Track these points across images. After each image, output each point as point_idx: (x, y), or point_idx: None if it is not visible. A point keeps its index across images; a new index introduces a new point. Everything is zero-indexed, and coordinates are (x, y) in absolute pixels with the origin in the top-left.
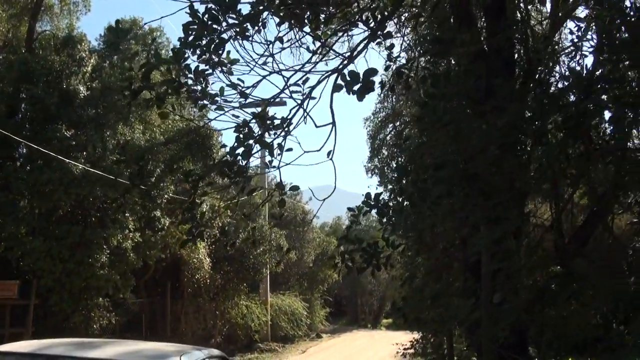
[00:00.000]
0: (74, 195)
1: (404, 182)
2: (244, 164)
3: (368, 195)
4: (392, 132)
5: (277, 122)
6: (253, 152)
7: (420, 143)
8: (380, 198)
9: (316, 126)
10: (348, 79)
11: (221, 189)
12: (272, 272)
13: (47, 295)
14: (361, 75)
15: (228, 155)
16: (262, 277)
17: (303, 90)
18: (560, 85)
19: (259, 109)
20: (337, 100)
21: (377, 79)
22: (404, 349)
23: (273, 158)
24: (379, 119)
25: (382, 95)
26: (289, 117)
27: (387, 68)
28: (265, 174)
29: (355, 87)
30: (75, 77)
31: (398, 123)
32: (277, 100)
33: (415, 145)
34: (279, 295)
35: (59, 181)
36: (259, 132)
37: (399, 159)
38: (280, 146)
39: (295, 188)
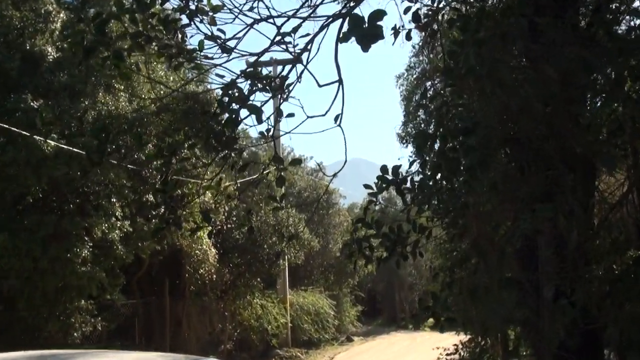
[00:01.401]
0: (46, 178)
1: (426, 151)
2: (231, 133)
3: (384, 168)
4: (430, 91)
5: (271, 81)
6: (242, 118)
7: (445, 102)
8: (400, 171)
9: (319, 85)
10: (352, 24)
11: (202, 166)
12: (291, 264)
13: (14, 299)
14: (366, 20)
15: (216, 125)
16: (280, 271)
17: (294, 41)
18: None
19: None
20: (363, 55)
21: (388, 24)
22: (447, 354)
23: (270, 126)
24: (414, 76)
25: (417, 46)
26: (287, 73)
27: (406, 11)
28: (265, 144)
29: (356, 36)
30: (41, 36)
31: (437, 81)
32: (271, 59)
33: (440, 105)
34: (300, 292)
35: (26, 161)
36: (249, 94)
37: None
38: (279, 111)
39: (296, 162)
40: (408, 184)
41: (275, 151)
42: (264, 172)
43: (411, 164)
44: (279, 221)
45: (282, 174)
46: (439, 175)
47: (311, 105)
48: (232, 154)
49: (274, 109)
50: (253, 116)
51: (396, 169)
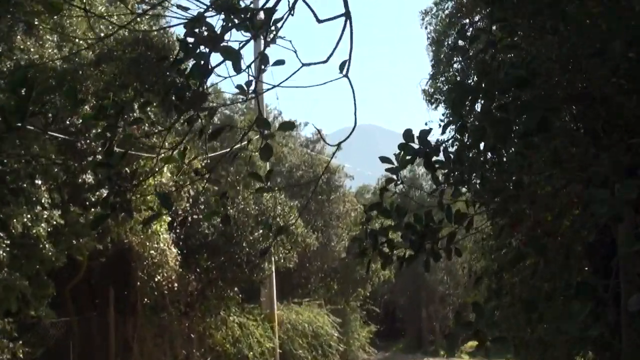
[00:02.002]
0: None
1: (464, 111)
2: (198, 87)
3: (408, 133)
4: (470, 31)
5: (252, 14)
6: (213, 66)
7: (491, 43)
8: (429, 139)
9: (318, 20)
10: None
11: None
12: (280, 268)
13: None
14: None
15: (177, 76)
16: (265, 277)
17: None
18: None
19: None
20: None
21: None
22: None
23: (252, 77)
24: (446, 11)
25: None
26: (274, 5)
27: None
28: (244, 103)
29: None
30: None
31: (478, 17)
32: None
33: (483, 48)
34: (292, 307)
35: None
36: (222, 33)
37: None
38: (264, 57)
39: (287, 126)
40: (440, 156)
41: (259, 112)
42: (243, 142)
43: (444, 128)
44: (264, 209)
45: (268, 142)
46: (482, 143)
47: (307, 49)
48: (200, 116)
49: (256, 54)
50: (228, 63)
51: (424, 134)
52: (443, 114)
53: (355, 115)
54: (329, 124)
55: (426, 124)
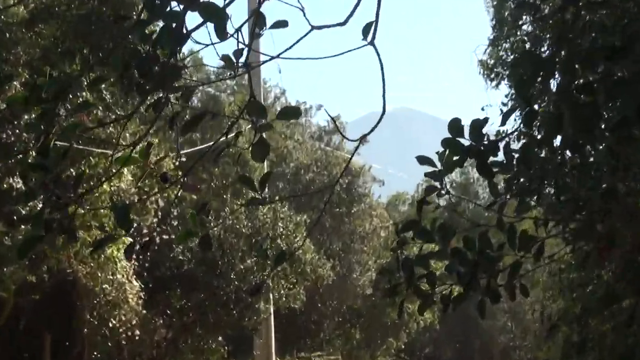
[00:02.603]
0: None
1: (535, 91)
2: (170, 58)
3: (456, 124)
4: None
5: None
6: (189, 30)
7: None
8: (486, 132)
9: None
10: None
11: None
12: (281, 309)
13: None
14: None
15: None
16: (260, 322)
17: None
18: None
19: None
20: None
21: None
22: None
23: (243, 45)
24: None
25: None
26: None
27: None
28: (232, 79)
29: None
30: None
31: None
32: None
33: (561, 6)
34: None
35: None
36: None
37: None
38: (260, 16)
39: (291, 113)
40: (500, 156)
41: (251, 92)
42: (232, 134)
43: (506, 116)
44: (259, 227)
45: (263, 135)
46: (559, 138)
47: (319, 9)
48: (171, 98)
49: (248, 13)
50: (210, 26)
51: (478, 125)
52: (506, 96)
53: (383, 95)
54: (350, 109)
55: (483, 109)
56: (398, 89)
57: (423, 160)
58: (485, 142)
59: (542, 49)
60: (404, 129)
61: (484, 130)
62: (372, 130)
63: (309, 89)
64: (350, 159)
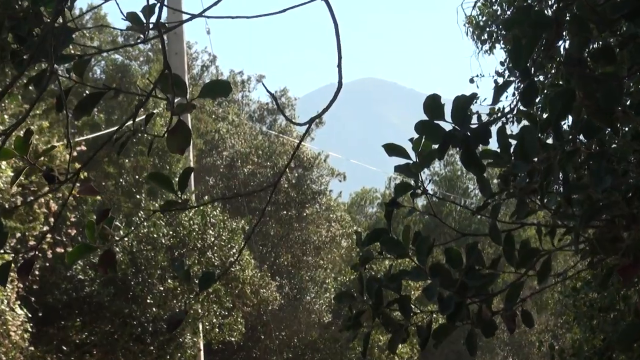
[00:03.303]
0: None
1: (536, 60)
2: (55, 17)
3: (434, 102)
4: None
5: None
6: None
7: None
8: (475, 111)
9: None
10: None
11: None
12: (214, 343)
13: None
14: None
15: None
16: None
17: None
18: None
19: None
20: None
21: None
22: None
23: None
24: None
25: None
26: None
27: None
28: (144, 44)
29: None
30: None
31: None
32: None
33: None
34: None
35: None
36: None
37: None
38: None
39: (218, 88)
40: (493, 143)
41: (165, 61)
42: (140, 116)
43: (499, 91)
44: (184, 237)
45: (182, 119)
46: (569, 118)
47: None
48: (60, 71)
49: None
50: None
51: (464, 103)
52: (501, 64)
53: (339, 64)
54: (303, 82)
55: (472, 81)
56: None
57: (392, 149)
58: (473, 126)
59: (548, 3)
60: (372, 106)
61: (472, 110)
62: (326, 109)
63: (249, 57)
64: (299, 145)
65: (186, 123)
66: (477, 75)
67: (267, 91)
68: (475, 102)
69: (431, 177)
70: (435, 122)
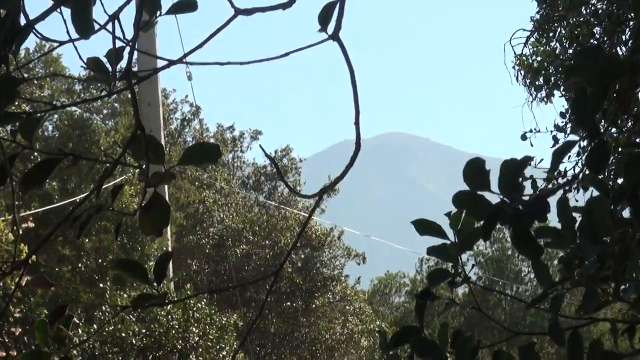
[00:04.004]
0: None
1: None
2: None
3: (477, 167)
4: None
5: None
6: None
7: None
8: (528, 174)
9: None
10: None
11: None
12: None
13: None
14: None
15: None
16: None
17: None
18: None
19: None
20: None
21: None
22: None
23: (122, 42)
24: None
25: None
26: None
27: None
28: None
29: None
30: None
31: None
32: None
33: None
34: None
35: None
36: None
37: None
38: None
39: (205, 153)
40: (552, 218)
41: (136, 119)
42: (110, 183)
43: (560, 154)
44: (158, 336)
45: (157, 191)
46: None
47: None
48: (3, 132)
49: None
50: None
51: (514, 168)
52: (562, 115)
53: (357, 112)
54: (312, 138)
55: (524, 137)
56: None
57: (424, 227)
58: (527, 197)
59: (620, 39)
60: (401, 167)
61: (525, 175)
62: (340, 178)
63: (241, 108)
64: (307, 221)
65: (163, 197)
66: (531, 130)
67: (264, 152)
68: (529, 165)
69: (474, 258)
70: (479, 192)
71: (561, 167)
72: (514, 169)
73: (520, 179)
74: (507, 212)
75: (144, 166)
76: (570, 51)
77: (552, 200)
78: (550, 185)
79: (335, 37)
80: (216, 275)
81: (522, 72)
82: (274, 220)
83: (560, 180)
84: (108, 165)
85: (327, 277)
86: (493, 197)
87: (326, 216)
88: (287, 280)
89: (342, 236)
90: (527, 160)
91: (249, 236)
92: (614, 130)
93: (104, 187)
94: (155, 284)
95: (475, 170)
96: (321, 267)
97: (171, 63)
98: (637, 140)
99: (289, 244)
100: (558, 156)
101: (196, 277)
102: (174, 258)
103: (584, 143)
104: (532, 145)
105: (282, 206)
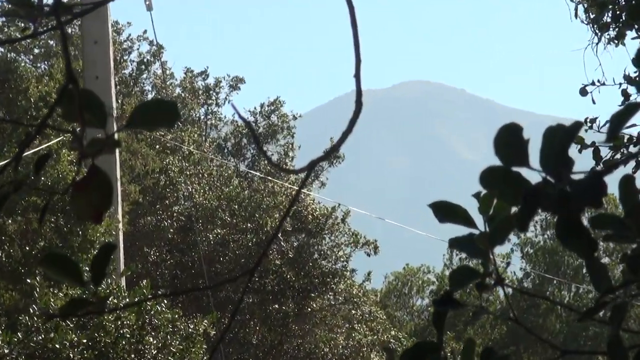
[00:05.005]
0: None
1: None
2: None
3: (512, 132)
4: None
5: None
6: None
7: None
8: (588, 134)
9: None
10: None
11: None
12: None
13: None
14: None
15: None
16: None
17: None
18: None
19: None
20: None
21: None
22: None
23: None
24: None
25: None
26: None
27: None
28: None
29: None
30: None
31: None
32: None
33: None
34: None
35: None
36: None
37: None
38: None
39: (163, 117)
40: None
41: (68, 69)
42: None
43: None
44: (104, 347)
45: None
46: None
47: None
48: None
49: None
50: None
51: (564, 136)
52: (636, 64)
53: (357, 57)
54: (309, 91)
55: (584, 92)
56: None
57: (445, 211)
58: (578, 175)
59: None
60: (425, 124)
61: (583, 141)
62: (337, 146)
63: (219, 49)
64: (295, 198)
65: (104, 171)
66: (593, 83)
67: (235, 110)
68: (589, 130)
69: (521, 248)
70: (514, 169)
71: (628, 132)
72: (560, 138)
73: (570, 150)
74: (550, 195)
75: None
76: None
77: (614, 179)
78: (618, 156)
79: None
80: (182, 268)
81: (585, 4)
82: (259, 197)
83: (633, 149)
84: (31, 128)
85: (328, 271)
86: (533, 175)
87: (327, 191)
88: (275, 276)
89: (347, 218)
90: (577, 126)
91: (225, 217)
92: None
93: (33, 151)
94: (93, 285)
95: (509, 138)
96: (320, 258)
97: None
98: None
99: (276, 226)
100: (619, 120)
101: (155, 270)
102: (127, 245)
103: None
104: (594, 102)
105: (270, 178)
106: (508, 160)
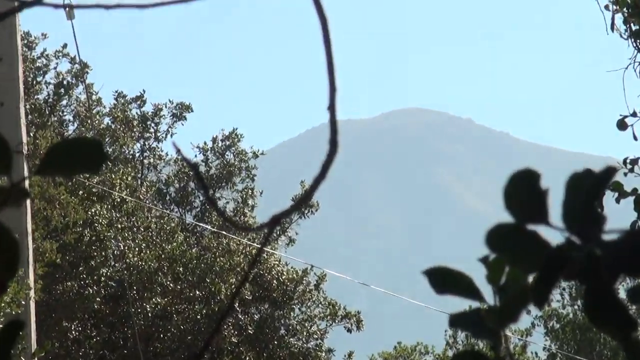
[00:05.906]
0: None
1: None
2: None
3: (525, 180)
4: None
5: None
6: None
7: None
8: (626, 179)
9: None
10: None
11: None
12: None
13: None
14: None
15: None
16: None
17: None
18: None
19: None
20: None
21: None
22: None
23: None
24: None
25: None
26: None
27: None
28: None
29: None
30: None
31: None
32: None
33: None
34: None
35: None
36: None
37: None
38: None
39: (87, 162)
40: None
41: None
42: None
43: None
44: None
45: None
46: None
47: None
48: None
49: None
50: None
51: (595, 181)
52: None
53: (331, 84)
54: (285, 120)
55: (622, 125)
56: (417, 80)
57: (443, 280)
58: (610, 235)
59: None
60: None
61: (612, 196)
62: (304, 200)
63: (160, 73)
64: (255, 260)
65: (8, 230)
66: (635, 114)
67: (176, 149)
68: (629, 173)
69: (544, 323)
70: (529, 227)
71: None
72: (588, 187)
73: (606, 199)
74: (576, 260)
75: None
76: None
77: None
78: None
79: None
80: (111, 347)
81: (624, 13)
82: (211, 256)
83: None
84: None
85: (297, 352)
86: (555, 234)
87: (297, 250)
88: (231, 358)
89: (322, 284)
90: (610, 173)
91: (167, 282)
92: None
93: None
94: None
95: (523, 188)
96: (287, 335)
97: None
98: None
99: (232, 292)
100: None
101: (77, 350)
102: (42, 318)
103: None
104: (635, 138)
105: (224, 232)
106: (522, 215)
